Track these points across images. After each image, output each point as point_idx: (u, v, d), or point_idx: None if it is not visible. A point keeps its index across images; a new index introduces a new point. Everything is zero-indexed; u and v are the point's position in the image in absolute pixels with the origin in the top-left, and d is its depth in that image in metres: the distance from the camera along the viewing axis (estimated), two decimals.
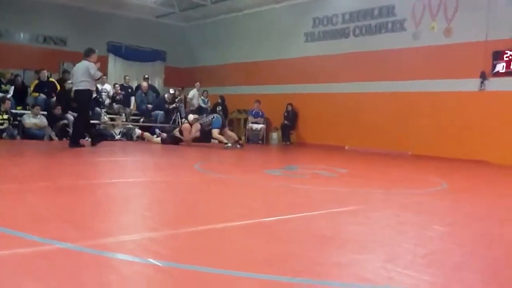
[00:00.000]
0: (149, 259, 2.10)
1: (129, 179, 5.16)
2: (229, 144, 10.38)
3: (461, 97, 10.64)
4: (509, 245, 2.86)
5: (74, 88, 8.95)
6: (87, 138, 9.79)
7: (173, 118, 13.27)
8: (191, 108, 14.27)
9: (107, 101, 13.25)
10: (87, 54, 8.83)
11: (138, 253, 2.22)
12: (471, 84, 10.50)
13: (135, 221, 3.04)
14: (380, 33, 12.30)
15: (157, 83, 17.66)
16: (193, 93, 14.98)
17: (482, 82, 10.37)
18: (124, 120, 12.69)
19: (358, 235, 2.84)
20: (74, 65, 15.26)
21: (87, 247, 2.23)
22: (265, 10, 15.30)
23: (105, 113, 12.43)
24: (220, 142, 10.63)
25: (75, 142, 8.77)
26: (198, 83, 15.19)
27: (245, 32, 15.94)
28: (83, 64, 8.67)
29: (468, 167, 8.83)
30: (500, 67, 10.06)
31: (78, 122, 9.07)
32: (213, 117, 10.94)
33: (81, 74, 8.59)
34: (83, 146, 8.86)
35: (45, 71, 12.05)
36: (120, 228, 2.82)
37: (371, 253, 2.46)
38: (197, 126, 10.77)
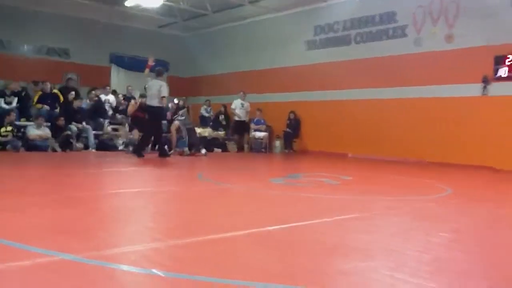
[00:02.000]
0: (153, 270, 2.09)
1: (133, 189, 5.16)
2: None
3: (464, 102, 10.60)
4: None
5: (148, 104, 9.67)
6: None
7: None
8: (236, 119, 14.15)
9: (110, 112, 13.28)
10: (161, 74, 9.77)
11: (141, 264, 2.21)
12: (474, 89, 10.47)
13: (138, 231, 3.03)
14: (382, 40, 12.30)
15: None
16: (236, 103, 14.25)
17: (484, 87, 10.34)
18: (128, 130, 12.70)
19: (363, 243, 2.82)
20: (77, 77, 15.65)
21: (90, 258, 2.22)
22: (266, 19, 15.35)
23: (108, 124, 12.45)
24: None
25: (165, 152, 9.81)
26: (242, 92, 14.39)
27: (247, 40, 16.00)
28: (158, 83, 9.49)
29: (473, 173, 8.79)
30: (502, 71, 10.03)
31: (157, 135, 10.01)
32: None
33: (156, 92, 9.38)
34: (170, 156, 9.92)
35: (48, 82, 12.09)
36: (124, 239, 2.81)
37: (376, 260, 2.44)
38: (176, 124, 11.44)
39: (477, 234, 3.33)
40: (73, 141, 10.94)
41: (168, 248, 2.55)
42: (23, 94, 12.00)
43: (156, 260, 2.29)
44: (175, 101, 13.80)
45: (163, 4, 14.23)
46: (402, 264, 2.36)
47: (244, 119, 14.16)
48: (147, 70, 9.88)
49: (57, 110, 11.62)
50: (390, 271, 2.22)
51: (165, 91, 9.51)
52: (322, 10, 13.72)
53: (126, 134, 12.34)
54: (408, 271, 2.23)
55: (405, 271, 2.24)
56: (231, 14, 15.44)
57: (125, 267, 2.16)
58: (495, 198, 5.54)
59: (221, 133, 14.23)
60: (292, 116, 13.95)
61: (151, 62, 9.87)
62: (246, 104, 14.31)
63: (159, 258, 2.34)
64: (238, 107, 14.20)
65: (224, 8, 14.87)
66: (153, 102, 9.49)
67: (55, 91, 12.40)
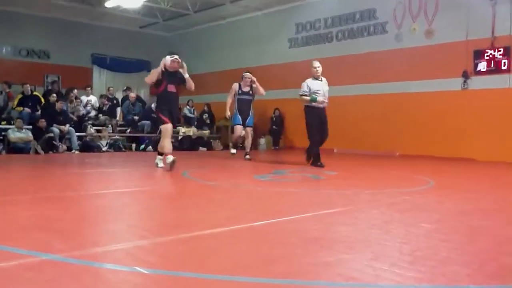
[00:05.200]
0: (136, 267, 2.10)
1: (117, 189, 5.13)
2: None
3: (445, 96, 10.77)
4: (494, 238, 2.89)
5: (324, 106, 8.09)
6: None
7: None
8: None
9: (93, 113, 13.19)
10: None
11: (125, 262, 2.22)
12: (454, 84, 10.65)
13: (123, 230, 3.03)
14: (363, 37, 12.42)
15: (143, 93, 17.63)
16: None
17: (465, 81, 10.52)
18: (111, 131, 12.64)
19: (346, 235, 2.86)
20: (58, 78, 15.47)
21: (73, 258, 2.22)
22: (248, 18, 15.38)
23: (91, 125, 12.36)
24: None
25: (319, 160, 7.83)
26: None
27: (229, 39, 16.00)
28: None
29: (455, 165, 8.92)
30: (482, 66, 10.22)
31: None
32: None
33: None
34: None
35: (28, 85, 11.96)
36: (108, 238, 2.80)
37: (358, 252, 2.48)
38: None
39: (458, 223, 3.40)
40: (56, 143, 10.84)
41: (153, 246, 2.55)
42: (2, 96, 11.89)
43: (140, 257, 2.30)
44: None
45: (144, 5, 14.17)
46: (383, 255, 2.40)
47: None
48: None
49: (39, 112, 11.50)
50: (371, 261, 2.26)
51: None
52: (303, 8, 13.81)
53: (109, 135, 12.27)
54: (388, 261, 2.28)
55: (386, 261, 2.28)
56: (213, 14, 15.45)
57: (109, 265, 2.16)
58: (476, 189, 5.64)
59: (206, 132, 14.24)
60: (277, 113, 14.02)
61: None
62: None
63: (144, 255, 2.35)
64: None
65: (206, 7, 14.88)
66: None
67: (36, 93, 12.29)
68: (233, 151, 9.70)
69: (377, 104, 11.90)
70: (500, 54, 9.96)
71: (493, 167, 8.61)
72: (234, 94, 9.25)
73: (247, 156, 9.24)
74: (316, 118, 7.93)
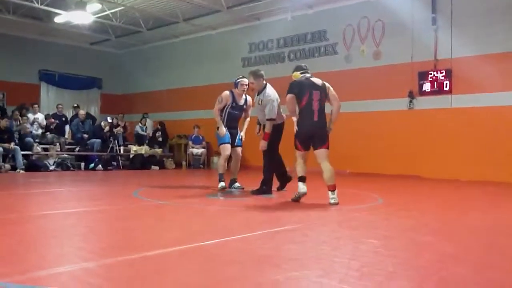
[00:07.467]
0: None
1: (64, 210, 4.97)
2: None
3: (393, 116, 11.17)
4: (435, 253, 3.01)
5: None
6: None
7: (111, 146, 12.97)
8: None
9: (40, 131, 12.77)
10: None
11: (70, 285, 2.16)
12: (401, 103, 11.07)
13: (68, 252, 2.94)
14: (314, 57, 12.74)
15: (94, 110, 17.26)
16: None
17: (410, 101, 10.96)
18: (59, 150, 12.25)
19: (295, 253, 2.89)
20: (3, 95, 14.88)
21: (16, 282, 2.13)
22: (201, 36, 15.45)
23: (37, 143, 11.94)
24: None
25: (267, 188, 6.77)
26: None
27: (183, 57, 15.99)
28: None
29: (402, 183, 9.22)
30: (426, 86, 10.69)
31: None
32: None
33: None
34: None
35: None
36: (53, 260, 2.71)
37: (308, 269, 2.51)
38: None
39: (404, 239, 3.51)
40: None
41: (99, 268, 2.49)
42: None
43: (86, 280, 2.24)
44: (109, 119, 13.51)
45: (95, 21, 13.95)
46: (332, 271, 2.45)
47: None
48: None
49: None
50: (319, 278, 2.30)
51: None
52: (256, 28, 14.03)
53: (56, 153, 11.89)
54: (337, 277, 2.32)
55: (335, 277, 2.32)
56: (166, 32, 15.42)
57: None
58: (422, 206, 5.85)
59: (158, 150, 14.08)
60: None
61: None
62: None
63: (90, 278, 2.28)
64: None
65: (158, 25, 14.83)
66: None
67: None
68: (222, 184, 7.01)
69: None
70: (442, 76, 10.46)
71: (437, 184, 8.96)
72: (225, 106, 7.20)
73: (237, 184, 7.30)
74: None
